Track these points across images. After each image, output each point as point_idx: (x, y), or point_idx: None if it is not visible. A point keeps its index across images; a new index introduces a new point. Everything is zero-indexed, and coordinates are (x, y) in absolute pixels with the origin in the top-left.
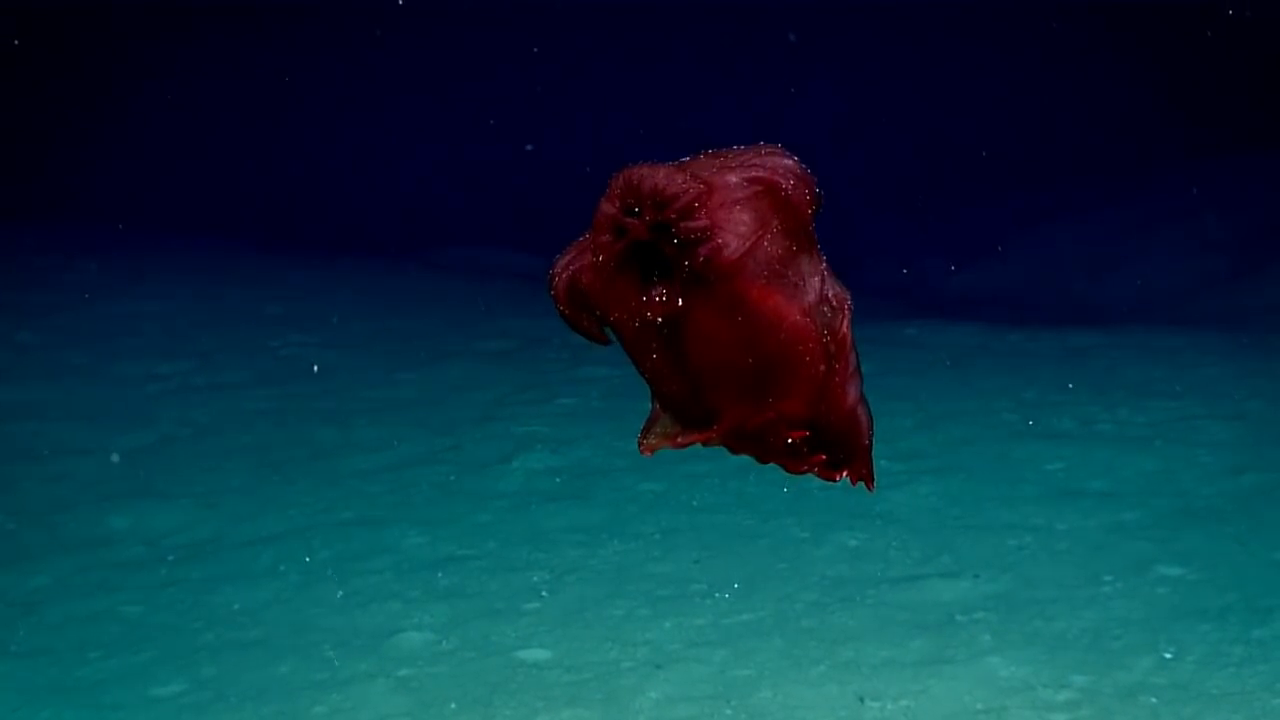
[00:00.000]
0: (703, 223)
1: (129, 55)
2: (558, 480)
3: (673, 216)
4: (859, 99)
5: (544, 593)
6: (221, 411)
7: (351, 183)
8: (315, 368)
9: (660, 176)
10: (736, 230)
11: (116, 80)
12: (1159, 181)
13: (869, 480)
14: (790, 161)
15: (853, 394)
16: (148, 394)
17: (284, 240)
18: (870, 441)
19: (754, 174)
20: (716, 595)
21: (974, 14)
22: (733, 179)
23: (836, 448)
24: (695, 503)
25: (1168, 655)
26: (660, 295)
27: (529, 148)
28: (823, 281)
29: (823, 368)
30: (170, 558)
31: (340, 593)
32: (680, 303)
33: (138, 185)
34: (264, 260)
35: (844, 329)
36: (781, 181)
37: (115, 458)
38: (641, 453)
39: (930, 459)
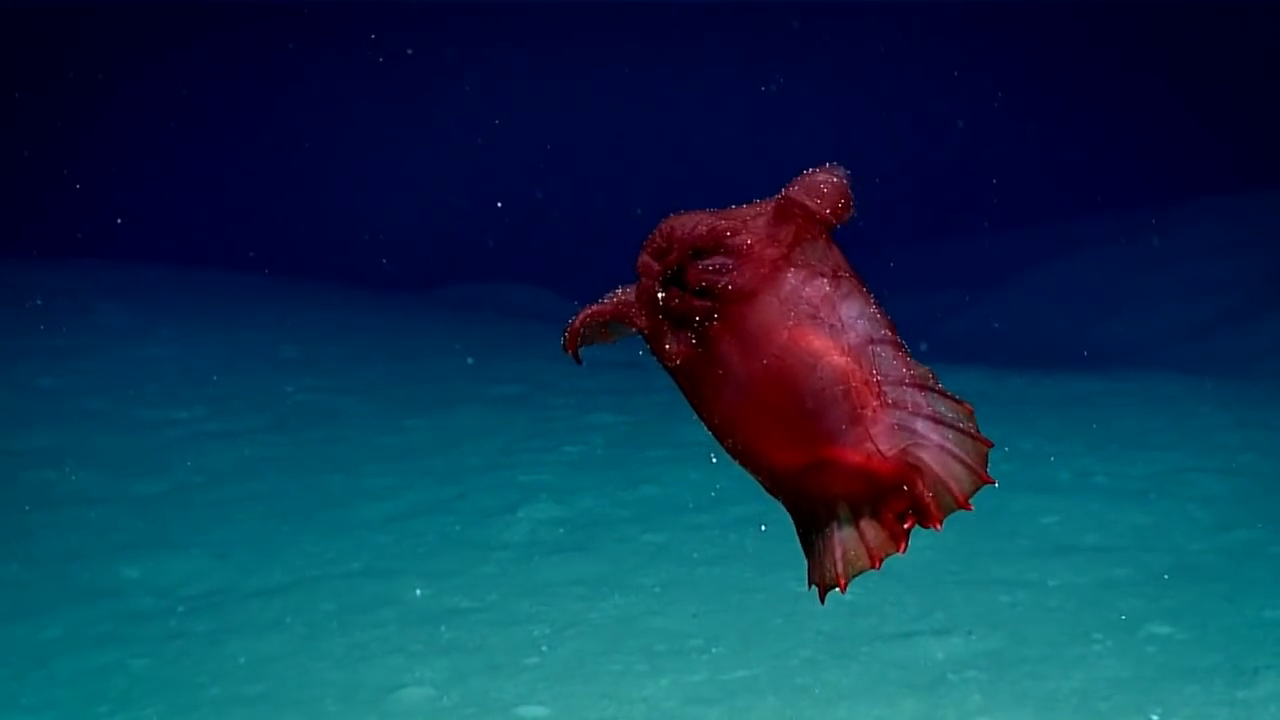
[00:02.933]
0: (719, 259)
1: (145, 90)
2: (561, 531)
3: (692, 255)
4: (863, 126)
5: (544, 647)
6: (234, 459)
7: (371, 216)
8: (327, 413)
9: (692, 223)
10: (753, 263)
11: (135, 114)
12: (1169, 218)
13: (938, 521)
14: (819, 175)
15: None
16: (163, 440)
17: (302, 276)
18: (933, 483)
19: (776, 204)
20: (713, 650)
21: (983, 46)
22: (762, 222)
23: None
24: (696, 555)
25: (1154, 717)
26: (686, 338)
27: (542, 187)
28: (873, 324)
29: (874, 407)
30: (180, 609)
31: (344, 646)
32: (703, 346)
33: (155, 220)
34: (281, 299)
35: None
36: (793, 192)
37: (129, 508)
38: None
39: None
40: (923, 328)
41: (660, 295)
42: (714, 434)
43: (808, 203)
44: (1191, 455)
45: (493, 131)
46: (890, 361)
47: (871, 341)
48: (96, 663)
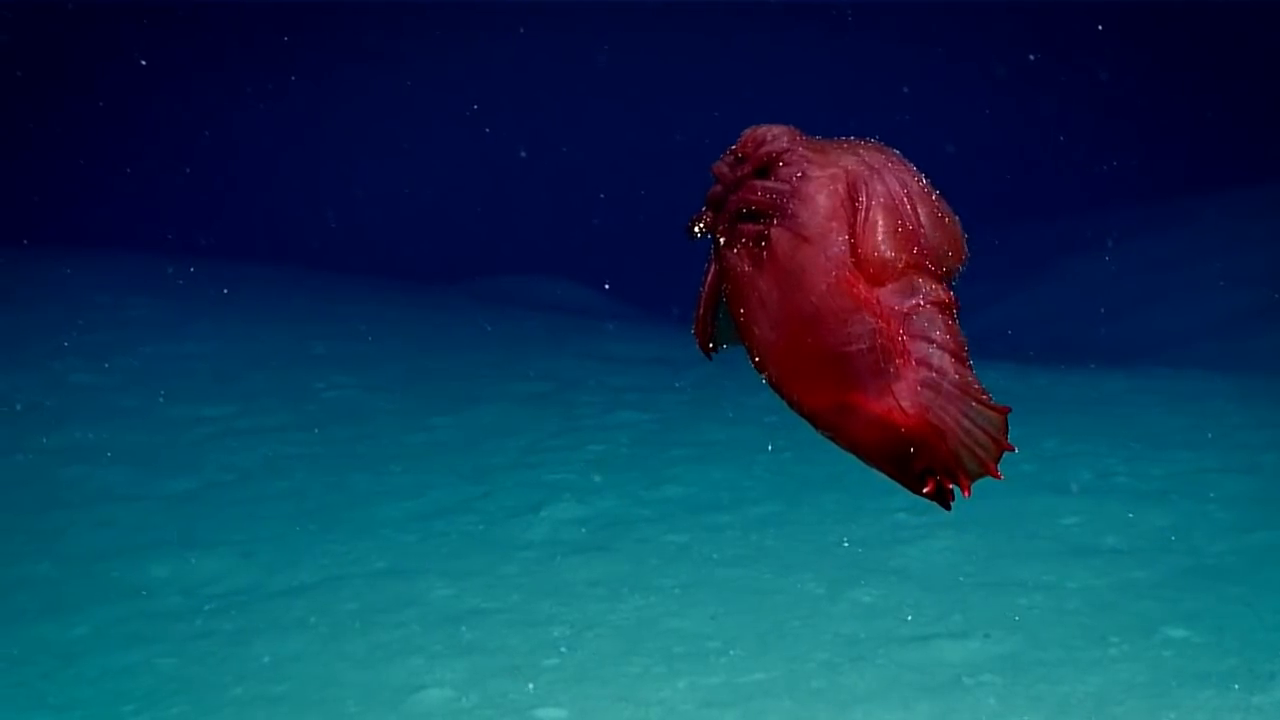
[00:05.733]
0: (774, 186)
1: (178, 87)
2: (583, 531)
3: (758, 167)
4: (889, 120)
5: (563, 649)
6: (263, 456)
7: (404, 209)
8: (355, 411)
9: (775, 135)
10: (813, 206)
11: (167, 110)
12: (1197, 211)
13: (964, 487)
14: (898, 186)
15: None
16: (194, 438)
17: (335, 268)
18: (956, 446)
19: (861, 167)
20: (731, 653)
21: (1013, 37)
22: (848, 161)
23: (919, 456)
24: (716, 555)
25: None
26: (738, 257)
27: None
28: (918, 292)
29: (899, 365)
30: (206, 608)
31: (366, 646)
32: (752, 270)
33: (190, 214)
34: (313, 293)
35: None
36: (865, 191)
37: (159, 506)
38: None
39: (947, 513)
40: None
41: (708, 217)
42: (755, 367)
43: (863, 209)
44: (1214, 455)
45: (525, 125)
46: (928, 325)
47: (915, 305)
48: (123, 662)
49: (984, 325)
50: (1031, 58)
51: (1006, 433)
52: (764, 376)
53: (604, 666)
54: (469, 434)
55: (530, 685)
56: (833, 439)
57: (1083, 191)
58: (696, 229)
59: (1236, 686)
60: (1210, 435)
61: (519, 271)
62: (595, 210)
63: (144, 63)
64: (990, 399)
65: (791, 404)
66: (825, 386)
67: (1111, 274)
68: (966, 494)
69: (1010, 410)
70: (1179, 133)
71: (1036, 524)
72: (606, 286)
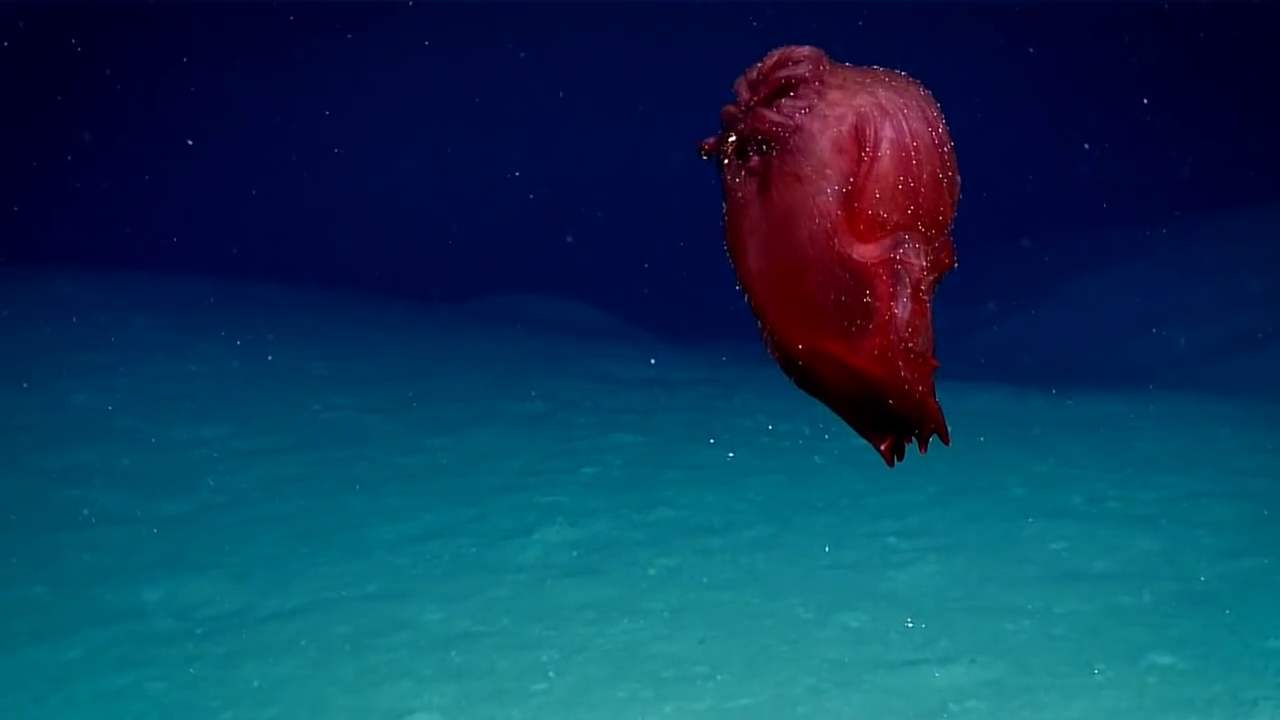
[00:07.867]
0: (783, 119)
1: (181, 110)
2: (574, 554)
3: (772, 92)
4: None
5: (551, 673)
6: (259, 478)
7: (408, 229)
8: (352, 432)
9: (799, 58)
10: (813, 146)
11: (176, 127)
12: (1194, 234)
13: (942, 436)
14: (909, 137)
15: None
16: (191, 460)
17: (338, 289)
18: (923, 395)
19: (875, 109)
20: (718, 678)
21: (1009, 62)
22: (863, 100)
23: (890, 409)
24: (706, 579)
25: None
26: (743, 178)
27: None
28: (898, 246)
29: (862, 325)
30: (198, 631)
31: (356, 670)
32: (753, 195)
33: (198, 233)
34: (316, 313)
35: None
36: (873, 137)
37: (154, 528)
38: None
39: (937, 536)
40: (950, 341)
41: (709, 144)
42: (738, 287)
43: (871, 149)
44: (1205, 479)
45: (530, 147)
46: (900, 289)
47: (893, 265)
48: (114, 685)
49: (983, 345)
50: (1030, 83)
51: (929, 436)
52: (746, 299)
53: (591, 691)
54: (465, 456)
55: (518, 710)
56: (800, 382)
57: (1081, 214)
58: (704, 153)
59: (1220, 714)
60: (1203, 460)
61: (522, 291)
62: (599, 231)
63: (150, 83)
64: (927, 392)
65: (768, 335)
66: (800, 326)
67: (1109, 296)
68: (923, 451)
69: (934, 428)
70: (1177, 155)
71: (1026, 548)
72: (608, 307)
